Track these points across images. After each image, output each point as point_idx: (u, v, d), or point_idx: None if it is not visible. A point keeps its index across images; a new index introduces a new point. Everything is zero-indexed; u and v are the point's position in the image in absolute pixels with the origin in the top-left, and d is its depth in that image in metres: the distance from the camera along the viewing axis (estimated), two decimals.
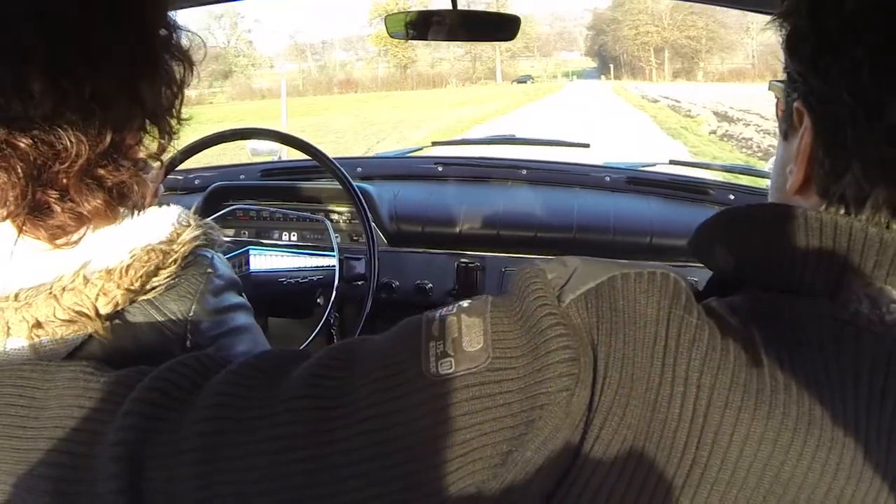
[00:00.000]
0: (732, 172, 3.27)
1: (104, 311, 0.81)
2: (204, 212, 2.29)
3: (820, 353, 0.58)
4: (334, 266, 1.91)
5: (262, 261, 1.89)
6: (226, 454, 0.65)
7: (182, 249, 0.88)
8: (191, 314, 0.88)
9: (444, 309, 0.68)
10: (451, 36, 1.92)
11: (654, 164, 2.61)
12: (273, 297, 1.89)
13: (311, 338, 1.75)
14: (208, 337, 0.90)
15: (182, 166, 2.25)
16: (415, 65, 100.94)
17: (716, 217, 0.73)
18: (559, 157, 2.83)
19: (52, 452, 0.70)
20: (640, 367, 0.58)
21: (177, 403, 0.69)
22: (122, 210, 0.87)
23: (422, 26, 1.94)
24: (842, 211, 0.65)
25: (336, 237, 1.98)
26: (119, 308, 0.83)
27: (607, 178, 2.44)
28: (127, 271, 0.82)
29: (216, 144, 1.92)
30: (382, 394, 0.63)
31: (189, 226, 0.91)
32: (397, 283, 2.11)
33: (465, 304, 0.68)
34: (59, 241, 0.82)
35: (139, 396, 0.70)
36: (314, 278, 1.89)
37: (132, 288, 0.83)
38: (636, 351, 0.59)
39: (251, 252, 1.90)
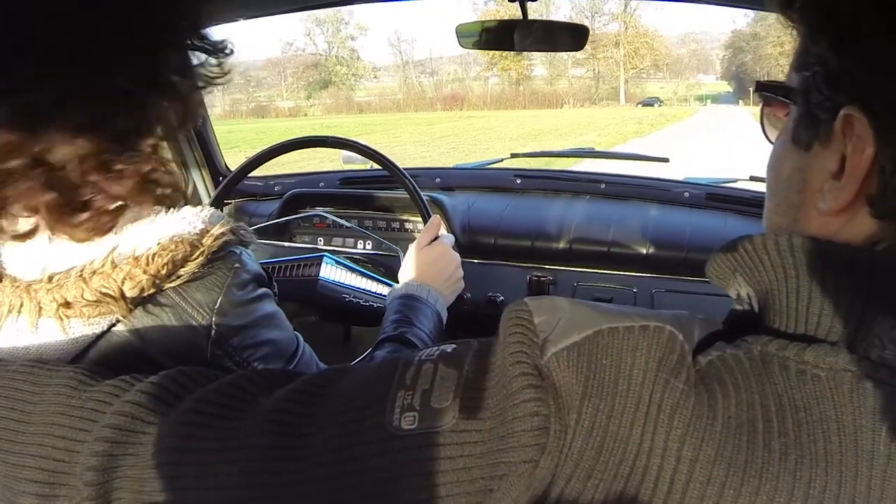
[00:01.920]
0: None
1: (130, 294, 0.86)
2: (281, 217, 2.34)
3: (830, 415, 0.52)
4: None
5: (333, 271, 1.91)
6: (183, 483, 0.66)
7: (210, 244, 0.91)
8: (216, 306, 0.92)
9: (427, 351, 0.67)
10: (522, 45, 1.91)
11: (735, 181, 2.54)
12: (336, 306, 1.91)
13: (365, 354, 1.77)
14: (233, 327, 0.93)
15: (262, 172, 2.29)
16: (529, 81, 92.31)
17: (733, 245, 0.65)
18: (639, 170, 2.79)
19: (39, 459, 0.73)
20: (615, 437, 0.54)
21: (154, 418, 0.71)
22: (155, 206, 0.92)
23: (492, 36, 1.96)
24: None
25: None
26: (145, 294, 0.87)
27: (686, 194, 2.39)
28: (154, 258, 0.87)
29: (276, 156, 1.94)
30: (340, 440, 0.62)
31: (221, 224, 0.94)
32: (469, 295, 2.11)
33: (449, 349, 0.66)
34: (89, 239, 0.87)
35: (119, 409, 0.72)
36: (375, 305, 1.91)
37: (158, 275, 0.87)
38: (613, 418, 0.54)
39: (325, 260, 1.92)
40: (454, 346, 0.66)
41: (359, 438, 0.61)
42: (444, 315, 1.47)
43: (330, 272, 1.91)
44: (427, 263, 1.54)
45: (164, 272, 0.87)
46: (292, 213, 2.40)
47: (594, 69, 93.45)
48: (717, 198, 2.35)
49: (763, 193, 2.22)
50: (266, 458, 0.63)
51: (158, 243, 0.88)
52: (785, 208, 0.70)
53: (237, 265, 0.95)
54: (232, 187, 1.98)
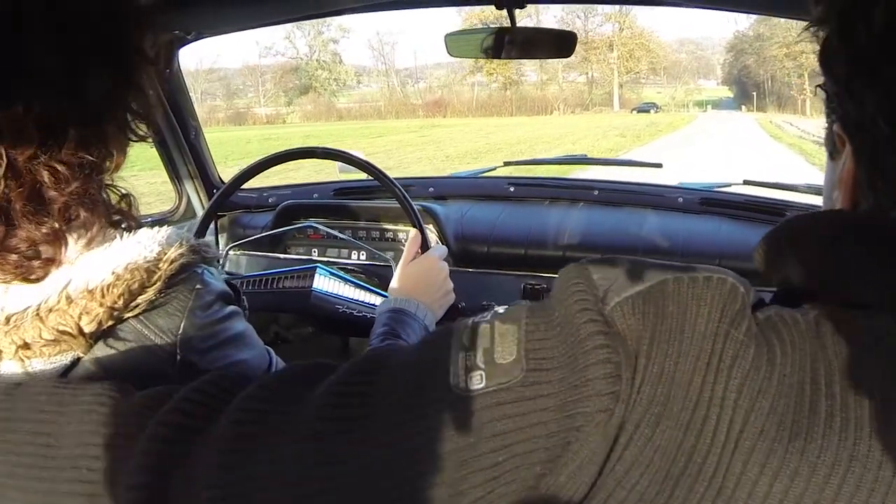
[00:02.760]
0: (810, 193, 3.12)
1: (88, 329, 0.84)
2: (275, 229, 2.34)
3: (877, 382, 0.53)
4: None
5: (326, 282, 1.90)
6: (244, 485, 0.63)
7: (167, 268, 0.89)
8: (180, 331, 0.90)
9: (479, 315, 0.65)
10: (509, 54, 1.93)
11: (728, 185, 2.54)
12: (330, 317, 1.91)
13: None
14: (200, 350, 0.91)
15: (255, 184, 2.29)
16: (517, 86, 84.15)
17: (781, 228, 0.67)
18: (633, 176, 2.79)
19: (75, 484, 0.70)
20: (679, 384, 0.54)
21: (200, 425, 0.68)
22: (109, 231, 0.91)
23: (481, 45, 1.97)
24: None
25: None
26: (104, 326, 0.85)
27: (680, 199, 2.38)
28: (109, 290, 0.84)
29: (269, 167, 1.94)
30: (407, 412, 0.60)
31: (178, 245, 0.92)
32: (463, 304, 2.10)
33: (500, 309, 0.64)
34: (31, 277, 0.85)
35: (162, 420, 0.69)
36: (368, 316, 1.90)
37: (115, 306, 0.85)
38: (678, 365, 0.55)
39: (319, 272, 1.91)
40: (507, 307, 0.65)
41: (428, 408, 0.59)
42: (433, 328, 1.47)
43: (323, 283, 1.91)
44: (415, 278, 1.54)
45: (121, 303, 0.85)
46: (286, 225, 2.39)
47: (588, 73, 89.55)
48: (712, 202, 2.35)
49: (756, 197, 2.21)
50: (329, 443, 0.61)
51: (113, 273, 0.86)
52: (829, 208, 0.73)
53: (198, 286, 0.93)
54: (225, 199, 1.98)
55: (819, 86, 0.68)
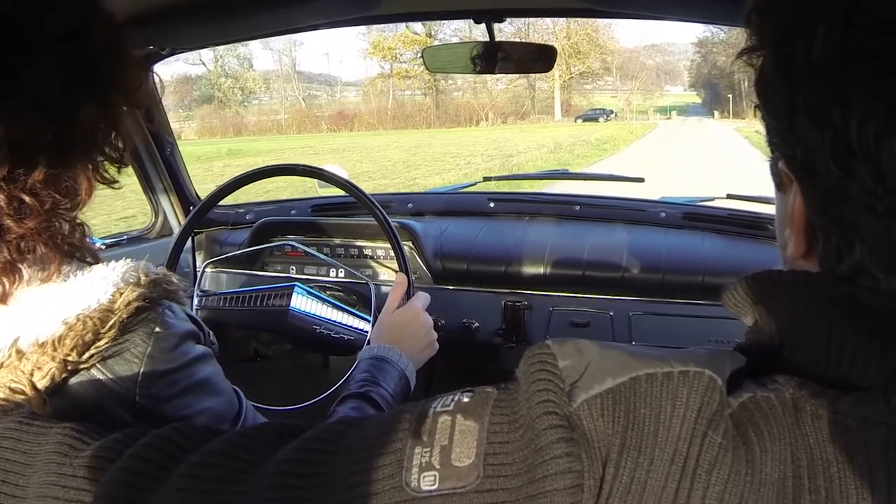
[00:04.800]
0: None
1: (41, 385, 0.80)
2: (252, 247, 2.33)
3: (862, 470, 0.49)
4: (366, 333, 1.89)
5: (304, 302, 1.89)
6: None
7: (121, 313, 0.85)
8: (139, 379, 0.85)
9: (443, 401, 0.61)
10: (488, 68, 1.92)
11: (711, 199, 2.52)
12: (306, 337, 1.89)
13: (332, 389, 1.73)
14: (161, 399, 0.88)
15: (233, 200, 2.27)
16: (442, 94, 67.64)
17: (751, 280, 0.62)
18: (615, 191, 2.77)
19: None
20: (653, 493, 0.50)
21: (152, 482, 0.66)
22: (66, 267, 0.87)
23: (458, 59, 1.96)
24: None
25: (375, 300, 1.95)
26: (57, 380, 0.81)
27: (663, 214, 2.37)
28: (61, 342, 0.81)
29: (246, 184, 1.92)
30: (358, 501, 0.57)
31: (136, 283, 0.88)
32: (443, 322, 2.09)
33: (465, 399, 0.60)
34: None
35: (111, 479, 0.68)
36: (345, 338, 1.89)
37: (69, 358, 0.81)
38: (650, 474, 0.50)
39: (296, 291, 1.90)
40: (471, 395, 0.61)
41: (376, 500, 0.56)
42: (413, 378, 1.47)
43: (301, 303, 1.90)
44: (399, 327, 1.54)
45: (74, 355, 0.81)
46: (263, 242, 2.38)
47: (528, 76, 67.90)
48: (695, 217, 2.34)
49: (740, 211, 2.18)
50: None
51: (64, 323, 0.82)
52: (780, 248, 0.67)
53: (158, 330, 0.88)
54: (202, 216, 1.95)
55: (757, 107, 0.62)
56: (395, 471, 0.57)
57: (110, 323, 0.84)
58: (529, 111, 66.71)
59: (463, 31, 48.74)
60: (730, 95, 66.38)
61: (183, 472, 0.65)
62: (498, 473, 0.54)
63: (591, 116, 61.21)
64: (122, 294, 0.86)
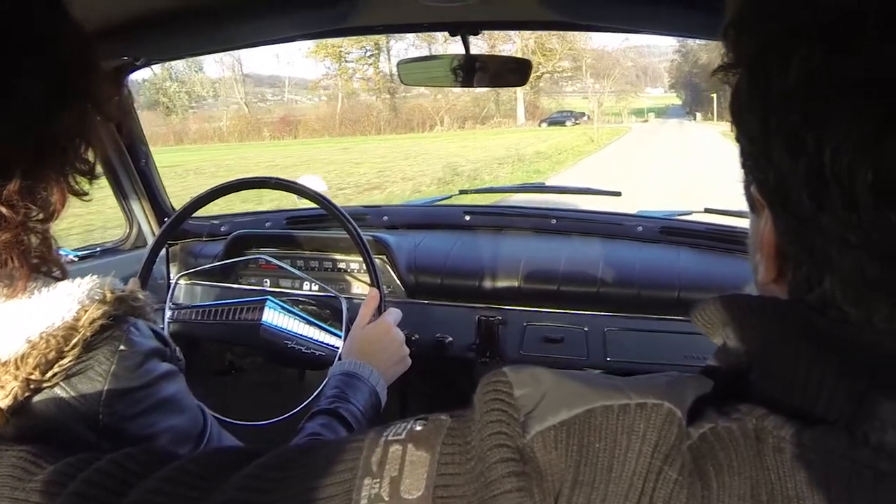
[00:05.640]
0: None
1: (3, 404, 0.79)
2: (226, 259, 2.31)
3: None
4: (337, 349, 1.88)
5: (276, 316, 1.88)
6: None
7: (85, 331, 0.83)
8: (103, 397, 0.84)
9: (395, 430, 0.60)
10: (464, 81, 1.91)
11: (689, 213, 2.52)
12: (278, 351, 1.88)
13: (303, 405, 1.72)
14: (125, 417, 0.86)
15: (207, 212, 2.27)
16: (389, 96, 60.24)
17: (722, 302, 0.60)
18: (592, 205, 2.77)
19: None
20: None
21: (112, 500, 0.65)
22: (31, 284, 0.85)
23: (434, 72, 1.96)
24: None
25: (347, 315, 1.94)
26: (20, 399, 0.80)
27: (640, 228, 2.37)
28: (24, 361, 0.80)
29: (221, 196, 1.91)
30: None
31: (101, 300, 0.87)
32: (416, 337, 2.08)
33: (418, 427, 0.59)
34: None
35: (76, 490, 0.67)
36: (316, 353, 1.89)
37: (31, 377, 0.80)
38: None
39: (269, 305, 1.89)
40: (424, 423, 0.59)
41: None
42: (384, 394, 1.47)
43: (272, 317, 1.89)
44: (370, 342, 1.55)
45: (37, 374, 0.80)
46: (237, 255, 2.36)
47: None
48: (672, 231, 2.34)
49: (717, 226, 2.18)
50: None
51: (28, 342, 0.81)
52: (752, 269, 0.66)
53: (122, 348, 0.87)
54: (176, 227, 1.95)
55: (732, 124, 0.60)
56: (343, 502, 0.55)
57: (74, 341, 0.83)
58: (493, 114, 61.95)
59: (423, 36, 46.39)
60: (714, 95, 57.36)
61: (135, 498, 0.64)
62: None
63: (557, 120, 56.94)
64: (86, 312, 0.85)
